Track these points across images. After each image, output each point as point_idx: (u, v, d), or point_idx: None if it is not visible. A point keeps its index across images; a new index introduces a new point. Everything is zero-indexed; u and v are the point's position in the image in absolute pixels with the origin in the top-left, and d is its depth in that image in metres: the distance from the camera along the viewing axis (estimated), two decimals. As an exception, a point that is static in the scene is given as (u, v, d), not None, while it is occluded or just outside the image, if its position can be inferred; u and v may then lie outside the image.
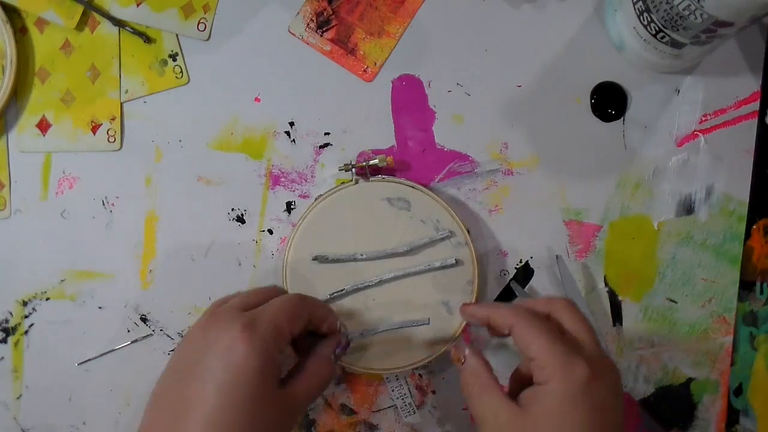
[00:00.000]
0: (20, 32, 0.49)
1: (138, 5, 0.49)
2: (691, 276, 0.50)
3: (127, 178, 0.50)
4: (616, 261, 0.50)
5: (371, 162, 0.48)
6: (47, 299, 0.50)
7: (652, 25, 0.45)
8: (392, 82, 0.50)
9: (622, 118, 0.50)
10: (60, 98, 0.49)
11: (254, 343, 0.36)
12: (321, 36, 0.50)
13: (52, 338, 0.50)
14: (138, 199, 0.50)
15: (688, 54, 0.46)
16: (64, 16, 0.49)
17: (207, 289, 0.49)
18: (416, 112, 0.50)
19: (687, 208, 0.50)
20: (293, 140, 0.50)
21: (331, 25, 0.50)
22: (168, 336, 0.50)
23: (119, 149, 0.50)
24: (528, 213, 0.50)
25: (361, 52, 0.50)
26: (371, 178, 0.48)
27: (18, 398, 0.50)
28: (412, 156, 0.50)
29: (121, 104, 0.50)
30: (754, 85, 0.50)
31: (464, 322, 0.47)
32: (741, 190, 0.50)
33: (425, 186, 0.49)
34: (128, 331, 0.50)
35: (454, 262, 0.47)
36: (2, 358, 0.50)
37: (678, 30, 0.43)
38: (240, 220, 0.50)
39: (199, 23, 0.50)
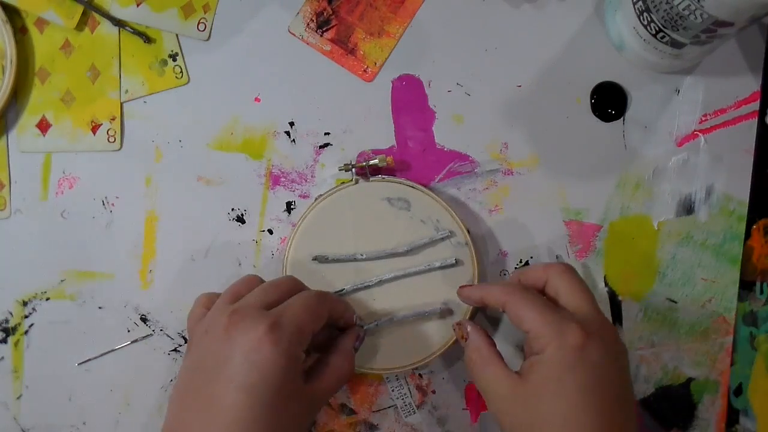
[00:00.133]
0: (20, 32, 0.49)
1: (138, 5, 0.49)
2: (691, 276, 0.50)
3: (127, 178, 0.50)
4: (616, 261, 0.50)
5: (371, 162, 0.48)
6: (47, 299, 0.50)
7: (652, 25, 0.45)
8: (392, 82, 0.50)
9: (622, 118, 0.50)
10: (60, 98, 0.49)
11: (279, 344, 0.37)
12: (321, 36, 0.50)
13: (52, 338, 0.50)
14: (138, 199, 0.50)
15: (688, 54, 0.46)
16: (64, 16, 0.49)
17: (207, 289, 0.49)
18: (416, 112, 0.50)
19: (687, 208, 0.50)
20: (293, 140, 0.50)
21: (331, 25, 0.50)
22: (168, 336, 0.50)
23: (119, 149, 0.50)
24: (528, 213, 0.50)
25: (361, 52, 0.50)
26: (371, 178, 0.48)
27: (18, 398, 0.50)
28: (412, 156, 0.50)
29: (121, 104, 0.50)
30: (754, 85, 0.50)
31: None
32: (741, 190, 0.50)
33: (425, 186, 0.49)
34: (128, 331, 0.50)
35: (454, 262, 0.47)
36: (2, 358, 0.50)
37: (678, 30, 0.43)
38: (240, 220, 0.50)
39: (199, 23, 0.50)
